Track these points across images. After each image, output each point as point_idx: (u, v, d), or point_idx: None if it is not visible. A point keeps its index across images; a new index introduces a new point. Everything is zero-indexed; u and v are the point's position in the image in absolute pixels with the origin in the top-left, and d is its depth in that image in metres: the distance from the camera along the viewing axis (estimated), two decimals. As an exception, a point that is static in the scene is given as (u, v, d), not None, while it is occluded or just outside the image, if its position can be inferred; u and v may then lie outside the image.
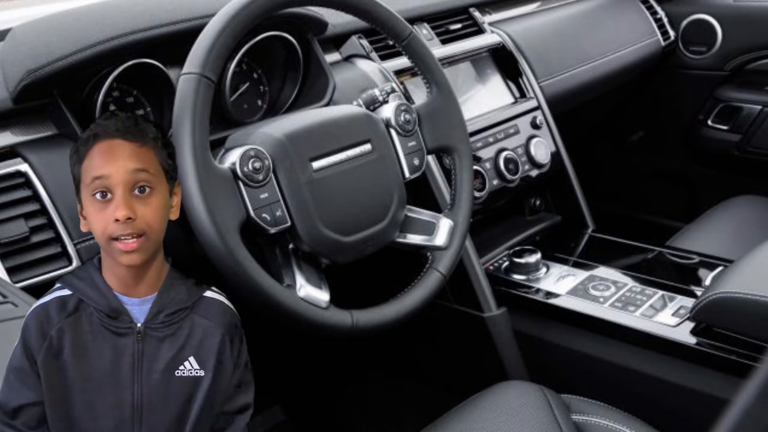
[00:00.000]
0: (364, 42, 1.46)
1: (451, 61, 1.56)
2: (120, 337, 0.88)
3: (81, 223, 0.91)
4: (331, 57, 1.43)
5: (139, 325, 0.89)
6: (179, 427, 0.89)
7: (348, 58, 1.46)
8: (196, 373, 0.90)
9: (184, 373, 0.90)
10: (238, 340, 0.96)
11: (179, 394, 0.89)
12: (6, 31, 1.12)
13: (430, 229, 1.14)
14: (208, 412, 0.91)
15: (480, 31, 1.67)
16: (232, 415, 0.95)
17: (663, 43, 2.03)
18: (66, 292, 0.89)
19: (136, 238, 0.86)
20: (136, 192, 0.86)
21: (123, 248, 0.86)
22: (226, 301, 0.97)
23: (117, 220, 0.84)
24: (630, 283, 1.36)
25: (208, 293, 0.96)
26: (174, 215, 0.93)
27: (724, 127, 2.01)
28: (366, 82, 1.38)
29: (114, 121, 0.88)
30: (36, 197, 1.01)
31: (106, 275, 0.91)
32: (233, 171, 0.96)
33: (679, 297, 1.29)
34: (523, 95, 1.65)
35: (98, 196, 0.86)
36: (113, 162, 0.85)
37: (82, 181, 0.87)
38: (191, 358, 0.90)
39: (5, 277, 0.95)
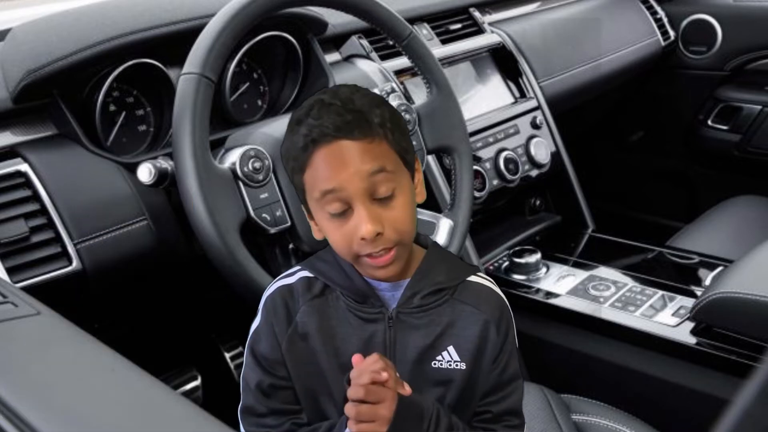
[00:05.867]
0: (364, 42, 1.46)
1: (451, 61, 1.56)
2: (369, 323, 0.79)
3: (313, 231, 0.80)
4: (331, 57, 1.43)
5: (390, 310, 0.79)
6: None
7: (348, 58, 1.46)
8: (456, 365, 0.79)
9: (441, 364, 0.79)
10: (504, 332, 0.83)
11: (432, 387, 0.80)
12: (6, 31, 1.12)
13: (430, 229, 1.13)
14: (463, 409, 0.81)
15: (480, 31, 1.67)
16: (498, 415, 0.82)
17: (663, 43, 2.03)
18: (309, 273, 0.81)
19: (389, 251, 0.74)
20: (377, 197, 0.73)
21: (375, 264, 0.75)
22: (496, 288, 0.85)
23: (363, 239, 0.73)
24: (630, 283, 1.36)
25: (474, 278, 0.84)
26: (420, 198, 0.81)
27: (724, 127, 2.01)
28: (366, 82, 1.38)
29: (330, 117, 0.73)
30: (36, 197, 1.01)
31: None
32: (233, 171, 0.96)
33: (679, 297, 1.29)
34: (523, 95, 1.65)
35: (332, 210, 0.74)
36: (343, 170, 0.72)
37: (308, 193, 0.76)
38: (450, 348, 0.80)
39: (5, 277, 0.95)
